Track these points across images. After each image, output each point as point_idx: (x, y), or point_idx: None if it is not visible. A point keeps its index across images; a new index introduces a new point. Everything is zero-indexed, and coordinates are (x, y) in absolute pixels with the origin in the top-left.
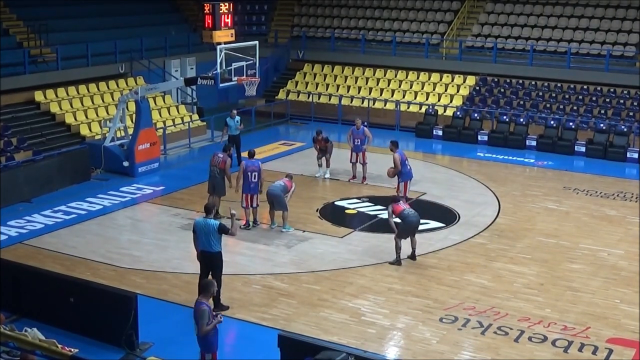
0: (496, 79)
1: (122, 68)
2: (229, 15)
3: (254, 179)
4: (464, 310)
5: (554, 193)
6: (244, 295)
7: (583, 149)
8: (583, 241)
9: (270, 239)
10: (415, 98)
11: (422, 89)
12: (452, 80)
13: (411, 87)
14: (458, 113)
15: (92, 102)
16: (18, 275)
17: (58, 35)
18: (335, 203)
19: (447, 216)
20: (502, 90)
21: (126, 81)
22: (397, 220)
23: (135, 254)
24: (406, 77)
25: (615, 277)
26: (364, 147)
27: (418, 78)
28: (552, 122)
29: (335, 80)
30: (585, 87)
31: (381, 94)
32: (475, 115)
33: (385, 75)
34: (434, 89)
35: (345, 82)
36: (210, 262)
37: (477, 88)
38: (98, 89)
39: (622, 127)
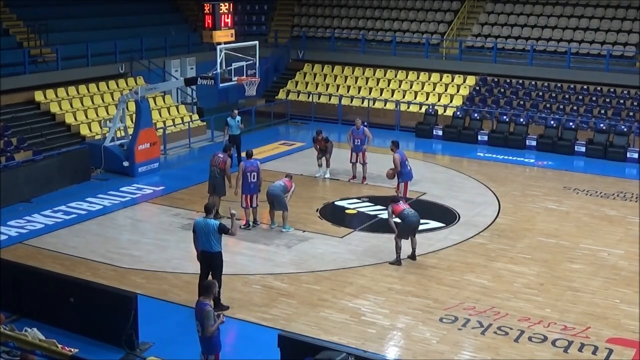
0: (496, 79)
1: (122, 68)
2: (229, 15)
3: (253, 179)
4: (464, 310)
5: (554, 193)
6: (244, 295)
7: (583, 149)
8: (583, 241)
9: (270, 239)
10: (415, 98)
11: (422, 89)
12: (452, 80)
13: (411, 87)
14: (458, 113)
15: (92, 102)
16: (18, 275)
17: (58, 35)
18: (335, 203)
19: (447, 216)
20: (502, 90)
21: (126, 81)
22: (397, 220)
23: (135, 254)
24: (406, 77)
25: (615, 277)
26: (364, 147)
27: (418, 78)
28: (552, 122)
29: (335, 80)
30: (585, 87)
31: (381, 94)
32: (475, 115)
33: (385, 75)
34: (434, 89)
35: (345, 82)
36: (211, 262)
37: (477, 88)
38: (98, 89)
39: (622, 127)
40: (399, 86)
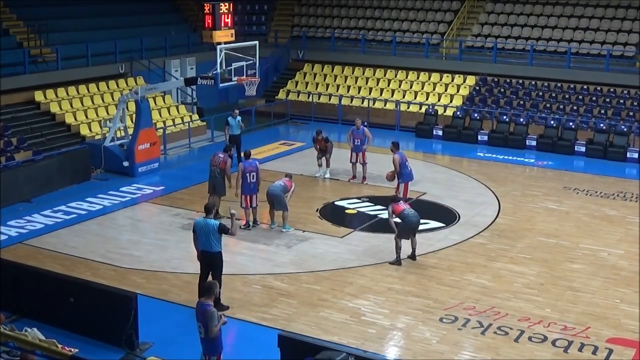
0: (496, 79)
1: (122, 68)
2: (229, 15)
3: (253, 179)
4: (464, 310)
5: (554, 193)
6: (244, 295)
7: (583, 149)
8: (583, 241)
9: (270, 239)
10: (415, 98)
11: (422, 89)
12: (452, 80)
13: (411, 87)
14: (458, 113)
15: (92, 102)
16: (18, 275)
17: (58, 35)
18: (335, 203)
19: (447, 216)
20: (502, 90)
21: (126, 81)
22: (397, 220)
23: (135, 254)
24: (406, 77)
25: (615, 277)
26: (364, 147)
27: (418, 78)
28: (552, 122)
29: (335, 80)
30: (585, 87)
31: (381, 94)
32: (475, 115)
33: (385, 75)
34: (434, 89)
35: (345, 82)
36: (211, 262)
37: (477, 88)
38: (98, 89)
39: (622, 127)
40: (399, 86)
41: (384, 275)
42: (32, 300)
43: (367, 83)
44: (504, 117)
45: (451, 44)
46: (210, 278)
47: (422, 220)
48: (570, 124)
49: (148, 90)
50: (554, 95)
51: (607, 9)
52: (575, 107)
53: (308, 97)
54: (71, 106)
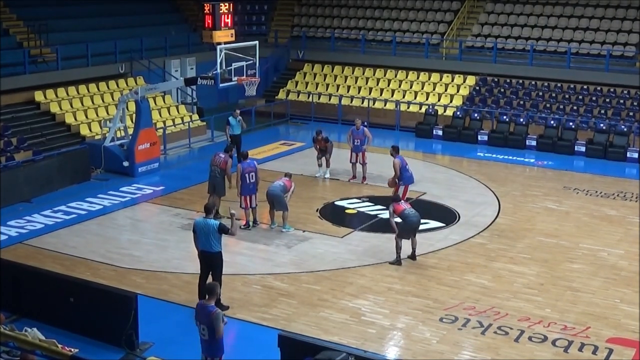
0: (496, 79)
1: (122, 68)
2: (229, 15)
3: (252, 179)
4: (464, 310)
5: (554, 193)
6: (244, 295)
7: (583, 149)
8: (583, 241)
9: (270, 239)
10: (415, 98)
11: (422, 89)
12: (452, 80)
13: (411, 87)
14: (458, 113)
15: (92, 102)
16: (18, 275)
17: (58, 35)
18: (335, 203)
19: (447, 216)
20: (502, 90)
21: (126, 81)
22: (398, 219)
23: (135, 254)
24: (406, 77)
25: (615, 277)
26: (364, 147)
27: (418, 78)
28: (552, 122)
29: (335, 80)
30: (585, 87)
31: (381, 94)
32: (475, 115)
33: (385, 75)
34: (434, 89)
35: (345, 82)
36: (210, 262)
37: (477, 88)
38: (98, 89)
39: (622, 127)
40: (399, 86)
41: (384, 275)
42: (32, 300)
43: (367, 83)
44: (504, 117)
45: (451, 44)
46: (210, 278)
47: (422, 220)
48: (570, 124)
49: (148, 90)
50: (554, 95)
51: (607, 9)
52: (575, 107)
53: (308, 97)
54: (71, 106)
